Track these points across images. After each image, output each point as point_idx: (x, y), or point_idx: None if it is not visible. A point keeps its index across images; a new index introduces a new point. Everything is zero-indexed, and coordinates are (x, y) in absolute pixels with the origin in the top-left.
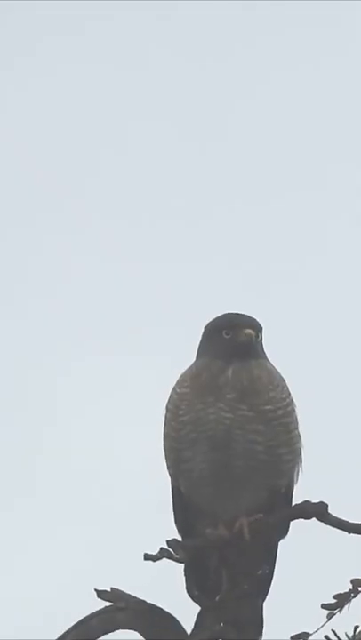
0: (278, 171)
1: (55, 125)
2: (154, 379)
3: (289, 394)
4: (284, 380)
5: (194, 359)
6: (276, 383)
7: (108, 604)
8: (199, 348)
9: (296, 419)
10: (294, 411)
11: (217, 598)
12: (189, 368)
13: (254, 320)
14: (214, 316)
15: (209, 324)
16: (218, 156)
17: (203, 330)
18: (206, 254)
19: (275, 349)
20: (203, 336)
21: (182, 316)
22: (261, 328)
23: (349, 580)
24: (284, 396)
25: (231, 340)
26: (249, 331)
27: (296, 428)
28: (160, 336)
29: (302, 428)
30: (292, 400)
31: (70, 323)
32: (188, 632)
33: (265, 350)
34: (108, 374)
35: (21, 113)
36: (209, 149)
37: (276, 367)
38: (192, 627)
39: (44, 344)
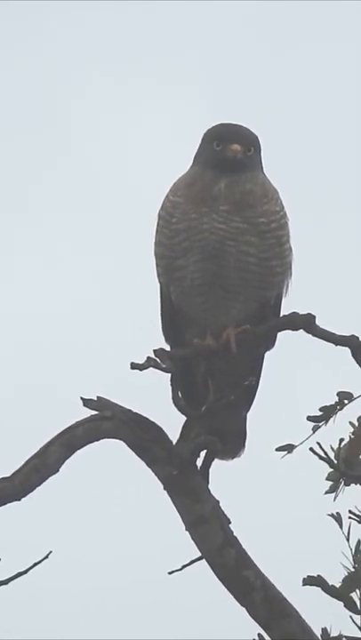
0: None
1: None
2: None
3: (283, 207)
4: (278, 193)
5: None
6: (271, 196)
7: (94, 412)
8: (196, 154)
9: (288, 232)
10: (287, 224)
11: (203, 408)
12: (183, 176)
13: (247, 134)
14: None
15: (206, 131)
16: None
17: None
18: None
19: (272, 157)
20: (200, 143)
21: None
22: (255, 141)
23: (336, 392)
24: (278, 209)
25: (220, 153)
26: (236, 146)
27: (288, 242)
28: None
29: (294, 242)
30: (285, 213)
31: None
32: (174, 443)
33: (261, 161)
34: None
35: None
36: None
37: (271, 180)
38: (177, 437)
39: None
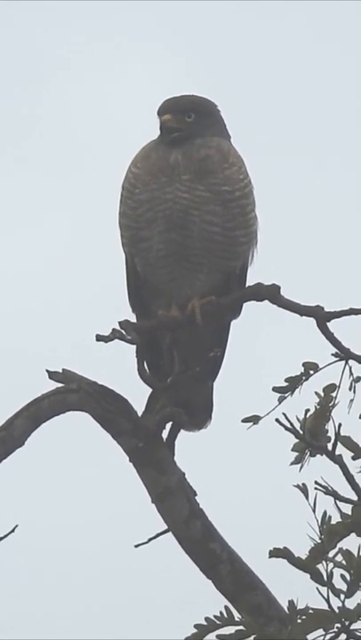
0: None
1: None
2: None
3: (247, 175)
4: (241, 160)
5: None
6: (232, 162)
7: (60, 385)
8: None
9: (253, 201)
10: (252, 193)
11: (168, 380)
12: (142, 149)
13: (181, 102)
14: None
15: None
16: None
17: None
18: None
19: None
20: None
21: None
22: (197, 106)
23: (301, 363)
24: (241, 177)
25: (160, 126)
26: (166, 116)
27: (253, 211)
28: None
29: (259, 211)
30: (249, 182)
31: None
32: (140, 415)
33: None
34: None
35: None
36: None
37: (236, 147)
38: (143, 409)
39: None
